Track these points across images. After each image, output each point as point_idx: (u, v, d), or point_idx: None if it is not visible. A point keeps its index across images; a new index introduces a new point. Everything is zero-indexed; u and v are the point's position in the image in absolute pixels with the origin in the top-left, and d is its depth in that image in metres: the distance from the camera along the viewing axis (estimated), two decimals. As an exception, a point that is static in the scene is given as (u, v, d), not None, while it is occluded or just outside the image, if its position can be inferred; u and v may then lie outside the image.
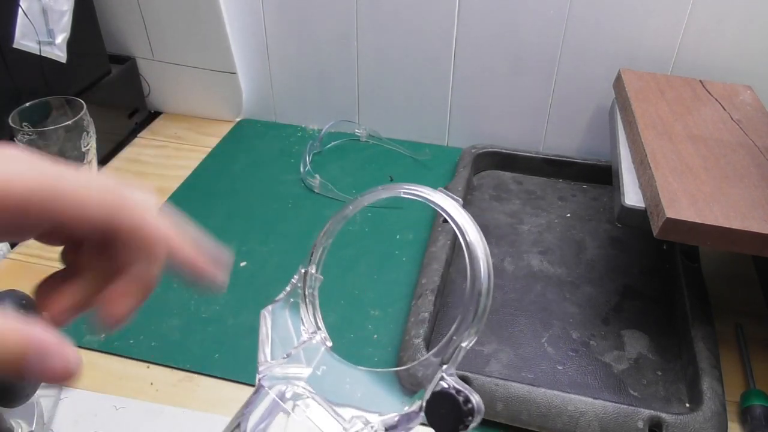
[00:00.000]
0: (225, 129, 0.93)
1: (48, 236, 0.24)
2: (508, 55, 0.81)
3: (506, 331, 0.61)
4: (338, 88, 0.90)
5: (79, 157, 0.65)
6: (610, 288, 0.66)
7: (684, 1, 0.72)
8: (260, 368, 0.25)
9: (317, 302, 0.27)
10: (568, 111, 0.83)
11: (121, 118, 0.91)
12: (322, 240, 0.27)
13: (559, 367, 0.57)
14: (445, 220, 0.77)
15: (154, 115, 0.97)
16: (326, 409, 0.24)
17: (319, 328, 0.27)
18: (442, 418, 0.22)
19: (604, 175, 0.79)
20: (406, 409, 0.23)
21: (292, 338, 0.27)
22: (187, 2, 0.85)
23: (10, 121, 0.63)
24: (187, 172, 0.84)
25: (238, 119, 0.96)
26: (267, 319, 0.26)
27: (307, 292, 0.27)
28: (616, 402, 0.50)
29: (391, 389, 0.24)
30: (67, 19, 0.75)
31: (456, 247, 0.70)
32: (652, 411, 0.49)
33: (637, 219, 0.56)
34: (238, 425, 0.24)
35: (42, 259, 0.69)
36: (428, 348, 0.56)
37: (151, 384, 0.56)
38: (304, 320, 0.27)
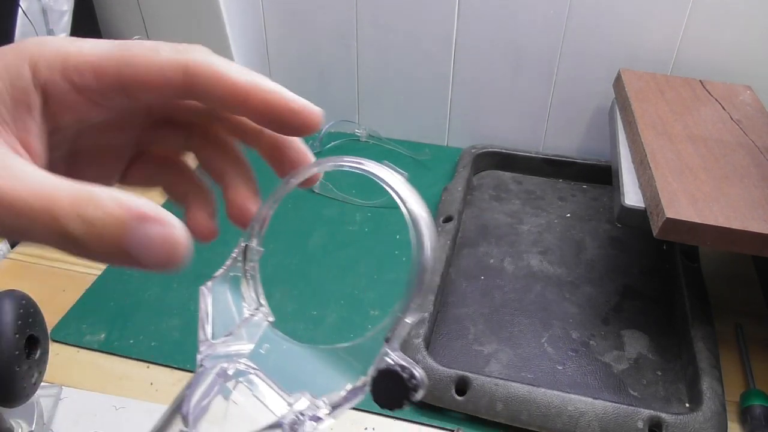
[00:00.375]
0: (225, 129, 0.93)
1: (125, 120, 0.24)
2: (508, 56, 0.81)
3: (506, 331, 0.61)
4: (338, 88, 0.90)
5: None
6: (610, 288, 0.66)
7: (684, 1, 0.72)
8: (201, 348, 0.25)
9: (258, 277, 0.27)
10: (568, 111, 0.83)
11: (121, 118, 0.91)
12: (264, 210, 0.26)
13: (559, 367, 0.57)
14: (446, 220, 0.77)
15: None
16: (270, 386, 0.24)
17: (261, 304, 0.26)
18: (387, 393, 0.22)
19: (604, 175, 0.79)
20: (351, 386, 0.23)
21: (234, 316, 0.26)
22: (187, 2, 0.85)
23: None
24: (187, 172, 0.84)
25: (238, 119, 0.96)
26: (207, 296, 0.25)
27: (247, 267, 0.26)
28: (616, 402, 0.50)
29: (337, 366, 0.24)
30: (67, 19, 0.75)
31: (456, 247, 0.70)
32: (652, 411, 0.49)
33: (637, 219, 0.56)
34: (179, 407, 0.23)
35: (42, 259, 0.69)
36: (428, 348, 0.56)
37: (151, 384, 0.56)
38: (246, 296, 0.26)
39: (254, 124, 0.25)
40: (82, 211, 0.18)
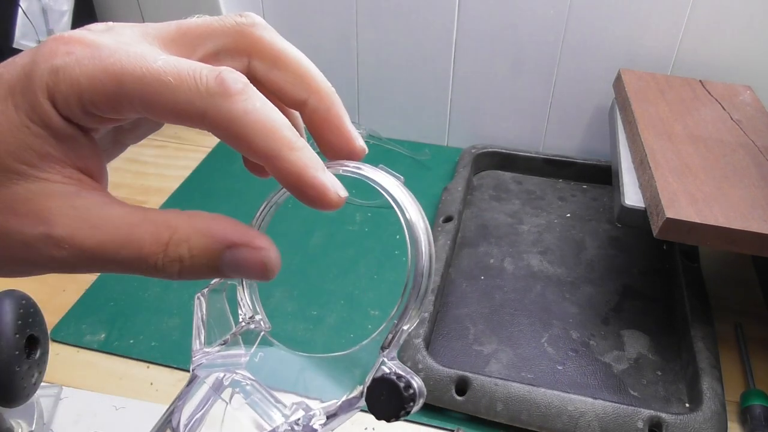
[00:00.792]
0: (225, 129, 0.93)
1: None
2: (508, 55, 0.81)
3: (506, 331, 0.61)
4: (338, 88, 0.89)
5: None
6: (610, 288, 0.66)
7: (684, 1, 0.72)
8: (194, 357, 0.24)
9: (255, 284, 0.26)
10: (568, 111, 0.83)
11: (121, 118, 0.91)
12: (262, 215, 0.26)
13: (559, 367, 0.57)
14: (446, 220, 0.76)
15: (154, 115, 0.97)
16: (266, 397, 0.23)
17: (257, 312, 0.26)
18: (383, 403, 0.21)
19: (604, 175, 0.79)
20: (347, 395, 0.23)
21: (230, 324, 0.26)
22: (187, 2, 0.85)
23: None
24: (187, 172, 0.84)
25: (238, 119, 0.96)
26: (202, 304, 0.25)
27: None
28: (616, 402, 0.50)
29: (333, 375, 0.24)
30: (67, 19, 0.75)
31: (456, 247, 0.70)
32: (652, 411, 0.49)
33: (637, 219, 0.56)
34: (170, 420, 0.23)
35: (42, 259, 0.69)
36: (428, 348, 0.56)
37: (151, 384, 0.56)
38: (242, 304, 0.26)
39: (296, 95, 0.25)
40: (170, 251, 0.19)
